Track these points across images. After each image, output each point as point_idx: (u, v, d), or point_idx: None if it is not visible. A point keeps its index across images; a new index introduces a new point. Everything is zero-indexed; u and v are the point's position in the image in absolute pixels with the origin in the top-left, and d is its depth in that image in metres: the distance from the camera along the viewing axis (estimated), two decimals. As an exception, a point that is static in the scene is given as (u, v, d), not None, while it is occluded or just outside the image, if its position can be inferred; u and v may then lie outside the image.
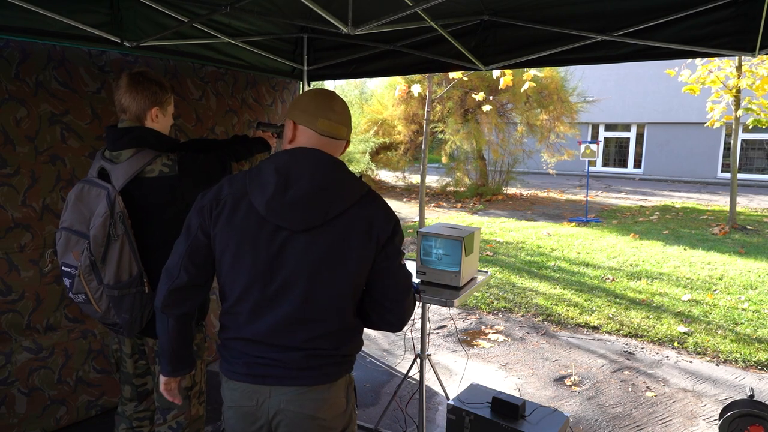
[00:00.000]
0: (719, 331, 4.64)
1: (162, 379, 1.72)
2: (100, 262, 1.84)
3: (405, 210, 11.59)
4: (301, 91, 4.34)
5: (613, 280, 6.20)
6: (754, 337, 4.52)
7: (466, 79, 10.72)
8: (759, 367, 4.02)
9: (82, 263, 1.84)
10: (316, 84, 4.72)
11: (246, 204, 1.46)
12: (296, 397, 1.49)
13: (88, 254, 1.83)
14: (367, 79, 15.64)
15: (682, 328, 4.69)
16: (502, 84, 6.71)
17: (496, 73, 6.60)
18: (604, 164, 19.12)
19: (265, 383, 1.49)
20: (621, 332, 4.67)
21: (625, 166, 18.86)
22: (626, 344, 4.44)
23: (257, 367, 1.50)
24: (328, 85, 15.81)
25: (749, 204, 12.29)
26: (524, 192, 14.36)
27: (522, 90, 7.99)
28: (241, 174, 1.52)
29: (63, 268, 1.92)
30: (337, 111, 1.55)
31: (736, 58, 8.60)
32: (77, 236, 1.88)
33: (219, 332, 1.58)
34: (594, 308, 5.24)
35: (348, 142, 1.63)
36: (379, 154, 14.27)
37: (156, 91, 1.99)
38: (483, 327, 4.82)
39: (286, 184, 1.43)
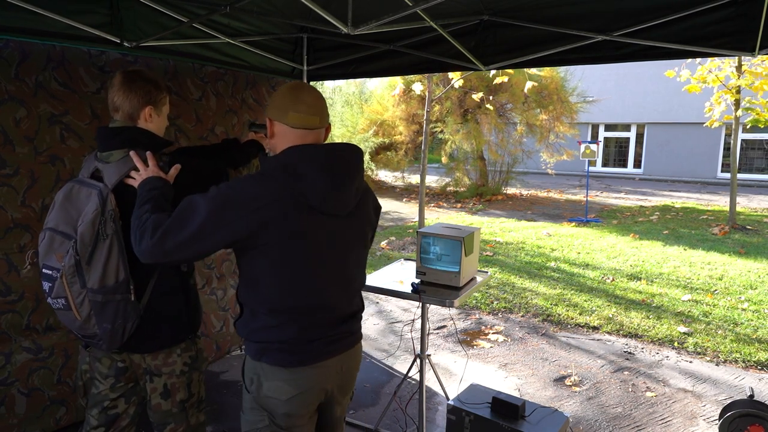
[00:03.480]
0: (719, 332, 4.63)
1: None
2: (86, 263, 1.73)
3: (405, 210, 11.58)
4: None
5: (612, 280, 6.20)
6: (754, 337, 4.52)
7: (465, 77, 10.72)
8: (759, 367, 4.02)
9: (66, 263, 1.73)
10: (315, 84, 4.73)
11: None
12: (353, 355, 1.73)
13: (74, 253, 1.72)
14: (367, 79, 15.64)
15: (682, 329, 4.69)
16: (497, 80, 6.70)
17: (494, 72, 6.61)
18: (604, 164, 19.12)
19: (338, 353, 1.66)
20: (621, 332, 4.67)
21: (625, 166, 18.86)
22: (626, 344, 4.44)
23: (336, 343, 1.66)
24: (328, 85, 15.80)
25: (749, 204, 12.28)
26: (524, 192, 14.35)
27: (526, 89, 7.95)
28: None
29: (44, 270, 1.79)
30: (307, 102, 1.61)
31: (736, 58, 8.60)
32: (62, 237, 1.77)
33: (274, 332, 1.61)
34: (594, 308, 5.23)
35: (328, 127, 1.71)
36: (378, 154, 14.27)
37: (150, 90, 1.90)
38: (483, 327, 4.82)
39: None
